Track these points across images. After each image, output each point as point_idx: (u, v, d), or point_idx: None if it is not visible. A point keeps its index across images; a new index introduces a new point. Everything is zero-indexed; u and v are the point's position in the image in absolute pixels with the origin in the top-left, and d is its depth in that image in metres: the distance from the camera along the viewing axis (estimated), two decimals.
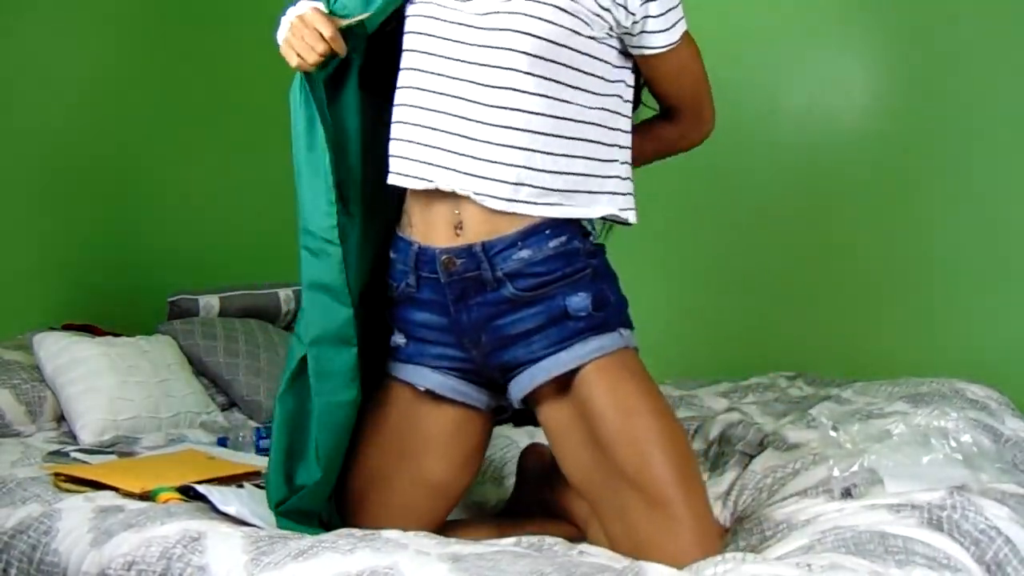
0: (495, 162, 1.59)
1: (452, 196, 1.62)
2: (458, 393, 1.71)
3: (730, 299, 3.17)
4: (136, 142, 3.21)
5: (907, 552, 1.36)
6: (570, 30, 1.59)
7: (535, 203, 1.61)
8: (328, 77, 1.68)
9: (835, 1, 3.14)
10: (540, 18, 1.58)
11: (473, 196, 1.60)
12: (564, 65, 1.60)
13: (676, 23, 1.66)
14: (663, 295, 3.11)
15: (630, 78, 1.70)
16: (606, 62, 1.65)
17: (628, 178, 1.70)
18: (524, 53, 1.58)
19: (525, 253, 1.61)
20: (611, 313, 1.65)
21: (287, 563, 1.40)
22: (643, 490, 1.54)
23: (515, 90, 1.58)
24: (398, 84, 1.69)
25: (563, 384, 1.63)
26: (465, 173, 1.60)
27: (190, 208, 3.32)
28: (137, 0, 3.26)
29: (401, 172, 1.67)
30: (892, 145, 3.00)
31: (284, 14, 1.67)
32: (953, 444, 1.71)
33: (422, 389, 1.71)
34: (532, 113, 1.59)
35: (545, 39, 1.58)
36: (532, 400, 1.67)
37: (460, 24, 1.62)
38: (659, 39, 1.66)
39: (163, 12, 3.31)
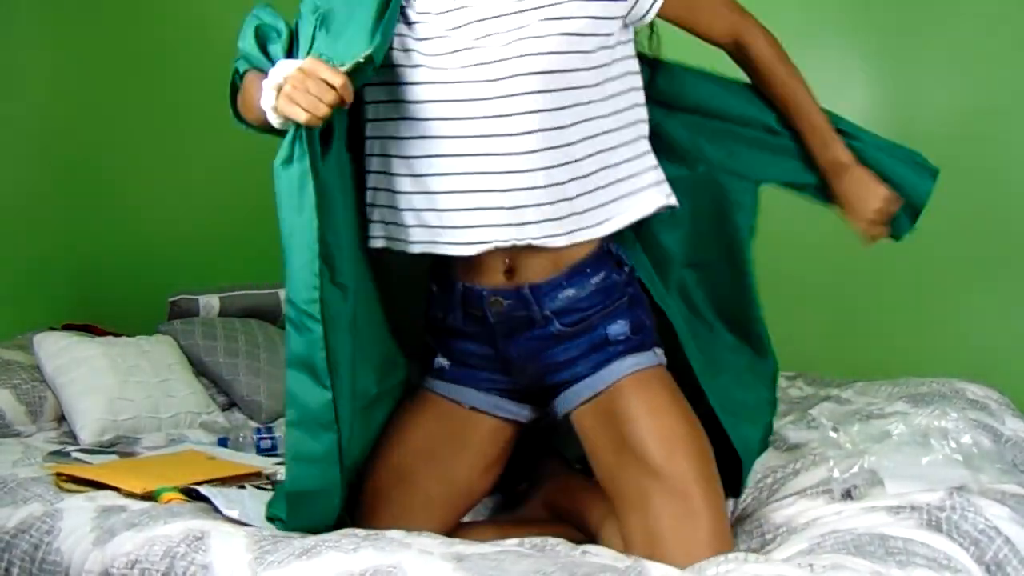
0: (546, 203, 1.59)
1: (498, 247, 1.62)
2: (501, 409, 1.75)
3: None
4: (137, 143, 3.22)
5: (907, 553, 1.36)
6: (577, 52, 1.58)
7: (591, 226, 1.62)
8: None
9: (833, 2, 3.14)
10: (546, 52, 1.56)
11: (534, 243, 1.60)
12: (581, 87, 1.59)
13: None
14: None
15: (634, 64, 1.68)
16: (611, 63, 1.63)
17: (658, 165, 1.70)
18: (540, 92, 1.56)
19: (571, 292, 1.65)
20: (647, 335, 1.70)
21: (291, 562, 1.40)
22: (666, 481, 1.57)
23: (543, 130, 1.56)
24: (399, 153, 1.62)
25: (599, 392, 1.67)
26: (520, 224, 1.59)
27: (191, 208, 3.32)
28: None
29: (451, 241, 1.62)
30: None
31: (267, 77, 1.52)
32: (953, 445, 1.71)
33: (467, 407, 1.74)
34: (565, 146, 1.58)
35: (555, 71, 1.56)
36: (576, 412, 1.70)
37: (463, 82, 1.57)
38: None
39: (155, 8, 3.32)
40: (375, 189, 1.68)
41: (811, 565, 1.31)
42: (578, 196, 1.60)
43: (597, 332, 1.67)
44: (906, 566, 1.33)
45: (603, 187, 1.63)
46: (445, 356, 1.75)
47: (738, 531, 1.68)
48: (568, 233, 1.61)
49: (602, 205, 1.63)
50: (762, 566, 1.34)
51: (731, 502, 1.81)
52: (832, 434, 1.83)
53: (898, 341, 2.94)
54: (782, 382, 2.70)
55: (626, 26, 1.67)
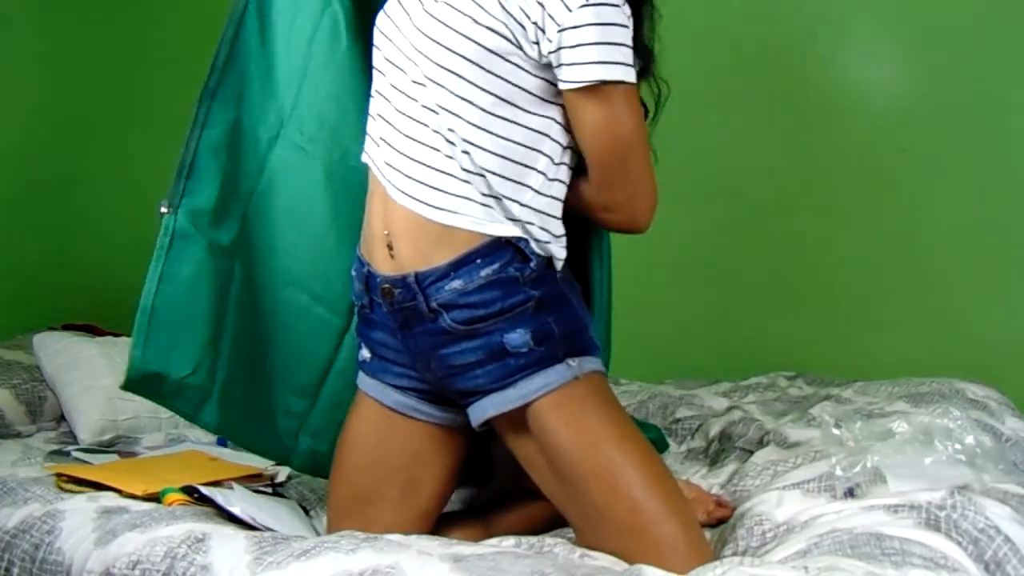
0: (416, 161, 1.57)
1: (382, 204, 1.62)
2: (420, 413, 1.70)
3: (730, 299, 3.17)
4: (137, 143, 3.22)
5: (903, 553, 1.36)
6: (487, 49, 1.52)
7: (451, 211, 1.56)
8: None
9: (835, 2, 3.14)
10: (457, 31, 1.53)
11: (396, 197, 1.59)
12: (480, 81, 1.53)
13: (588, 64, 1.48)
14: (663, 295, 3.10)
15: (557, 132, 1.59)
16: (530, 93, 1.55)
17: (539, 227, 1.59)
18: (451, 52, 1.53)
19: (457, 283, 1.56)
20: (555, 345, 1.58)
21: (290, 563, 1.41)
22: (623, 522, 1.51)
23: (440, 86, 1.54)
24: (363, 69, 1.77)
25: (519, 417, 1.59)
26: (392, 167, 1.60)
27: None
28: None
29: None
30: (892, 144, 3.00)
31: None
32: (957, 446, 1.70)
33: (387, 407, 1.71)
34: (455, 115, 1.54)
35: (456, 53, 1.53)
36: (495, 427, 1.64)
37: (405, 12, 1.63)
38: (566, 73, 1.50)
39: (157, 10, 3.32)
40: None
41: (806, 567, 1.31)
42: (449, 176, 1.55)
43: (493, 339, 1.56)
44: (901, 566, 1.32)
45: (469, 182, 1.55)
46: (366, 346, 1.73)
47: (737, 527, 1.67)
48: (421, 203, 1.57)
49: (464, 198, 1.55)
50: (757, 569, 1.34)
51: (730, 488, 1.81)
52: (835, 431, 1.82)
53: (898, 341, 2.93)
54: (782, 382, 2.71)
55: (551, 71, 1.54)
